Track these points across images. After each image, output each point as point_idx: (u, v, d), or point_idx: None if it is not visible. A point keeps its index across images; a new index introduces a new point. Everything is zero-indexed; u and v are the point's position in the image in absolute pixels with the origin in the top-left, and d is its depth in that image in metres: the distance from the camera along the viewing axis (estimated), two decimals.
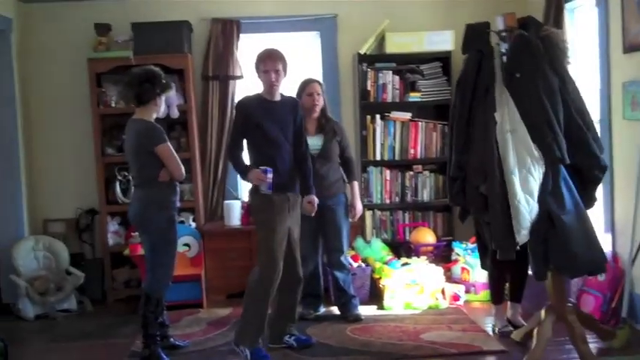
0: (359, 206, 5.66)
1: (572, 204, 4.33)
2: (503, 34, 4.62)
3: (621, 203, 5.22)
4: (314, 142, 5.47)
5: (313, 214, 4.97)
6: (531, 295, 5.25)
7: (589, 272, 4.57)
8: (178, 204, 4.93)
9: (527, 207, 4.33)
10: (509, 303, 5.19)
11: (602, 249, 4.49)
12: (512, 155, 4.39)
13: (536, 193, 4.35)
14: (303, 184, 4.91)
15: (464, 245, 6.22)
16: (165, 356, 4.79)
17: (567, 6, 5.71)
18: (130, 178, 5.24)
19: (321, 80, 6.01)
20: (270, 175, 4.57)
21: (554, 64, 4.45)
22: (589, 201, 4.56)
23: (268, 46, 4.90)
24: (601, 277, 5.08)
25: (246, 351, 4.67)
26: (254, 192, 4.75)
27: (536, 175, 4.36)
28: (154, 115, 4.84)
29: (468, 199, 4.64)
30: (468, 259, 6.03)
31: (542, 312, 4.61)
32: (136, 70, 4.89)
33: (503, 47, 4.62)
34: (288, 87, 6.77)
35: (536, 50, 4.43)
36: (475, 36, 4.66)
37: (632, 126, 5.03)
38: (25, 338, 5.61)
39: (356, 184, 5.70)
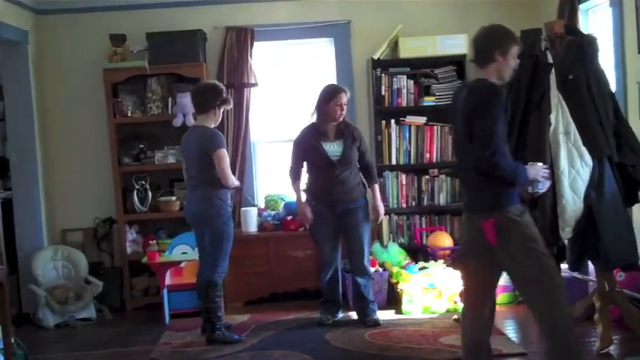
0: (381, 208, 5.72)
1: (610, 197, 4.47)
2: (553, 40, 4.77)
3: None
4: (334, 148, 5.51)
5: None
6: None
7: (618, 267, 4.70)
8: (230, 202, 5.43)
9: (573, 206, 4.52)
10: None
11: (636, 247, 4.58)
12: (564, 156, 4.54)
13: (582, 193, 4.50)
14: None
15: None
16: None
17: (581, 6, 5.70)
18: (186, 179, 5.56)
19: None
20: None
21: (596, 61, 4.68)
22: (631, 199, 4.68)
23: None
24: (620, 277, 5.06)
25: None
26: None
27: (585, 176, 4.52)
28: (212, 124, 5.36)
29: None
30: None
31: (594, 299, 4.73)
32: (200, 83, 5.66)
33: (551, 52, 4.80)
34: (300, 92, 6.85)
35: (587, 54, 4.63)
36: (529, 42, 4.80)
37: None
38: (45, 347, 5.64)
39: (377, 186, 5.77)
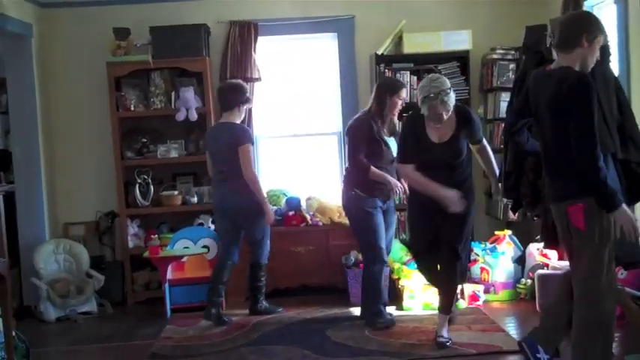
0: None
1: None
2: None
3: None
4: (393, 145, 5.45)
5: None
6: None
7: (621, 264, 4.70)
8: None
9: None
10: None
11: (638, 245, 4.53)
12: None
13: None
14: None
15: (482, 245, 6.18)
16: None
17: (586, 3, 5.66)
18: (216, 172, 5.73)
19: (338, 82, 6.12)
20: None
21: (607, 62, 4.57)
22: (635, 196, 4.62)
23: None
24: (622, 275, 5.05)
25: None
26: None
27: None
28: (238, 120, 5.69)
29: (522, 192, 4.70)
30: (487, 259, 6.00)
31: None
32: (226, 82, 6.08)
33: None
34: (304, 88, 6.85)
35: None
36: (535, 38, 4.77)
37: None
38: (46, 340, 5.65)
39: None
